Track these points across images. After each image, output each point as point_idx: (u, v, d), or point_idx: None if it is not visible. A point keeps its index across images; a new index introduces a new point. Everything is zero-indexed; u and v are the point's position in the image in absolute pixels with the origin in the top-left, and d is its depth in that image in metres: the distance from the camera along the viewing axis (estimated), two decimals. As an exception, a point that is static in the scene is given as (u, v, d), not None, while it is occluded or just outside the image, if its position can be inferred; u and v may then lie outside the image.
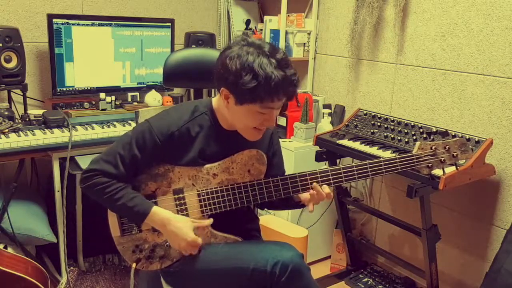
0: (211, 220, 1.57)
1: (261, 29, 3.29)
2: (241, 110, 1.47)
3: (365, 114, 2.64)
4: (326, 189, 1.56)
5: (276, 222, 2.49)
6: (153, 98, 2.93)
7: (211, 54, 2.05)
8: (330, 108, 3.03)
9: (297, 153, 2.75)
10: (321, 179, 1.56)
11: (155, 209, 1.53)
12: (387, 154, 2.27)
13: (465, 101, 2.38)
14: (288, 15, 3.08)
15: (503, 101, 2.22)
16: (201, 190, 1.57)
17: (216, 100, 1.59)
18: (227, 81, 1.43)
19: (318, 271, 2.88)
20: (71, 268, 2.68)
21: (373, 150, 2.33)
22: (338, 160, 2.67)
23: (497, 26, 2.21)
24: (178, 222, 1.53)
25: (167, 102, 2.98)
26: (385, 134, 2.44)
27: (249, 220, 1.77)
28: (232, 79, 1.41)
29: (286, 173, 1.67)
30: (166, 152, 1.54)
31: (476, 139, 2.18)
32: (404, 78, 2.66)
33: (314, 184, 1.56)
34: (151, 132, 1.52)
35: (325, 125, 2.85)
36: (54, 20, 2.61)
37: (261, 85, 1.38)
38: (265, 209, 1.84)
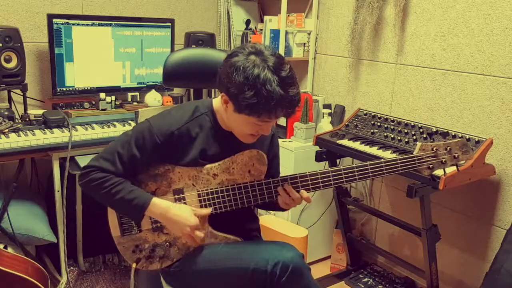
0: (209, 210, 1.57)
1: (261, 29, 3.29)
2: (238, 118, 1.47)
3: (365, 114, 2.64)
4: (304, 193, 1.56)
5: (276, 222, 2.49)
6: (153, 98, 2.93)
7: (211, 54, 2.05)
8: (330, 108, 3.03)
9: (297, 153, 2.75)
10: (322, 179, 1.56)
11: (154, 200, 1.53)
12: (387, 154, 2.27)
13: (465, 101, 2.38)
14: (288, 15, 3.08)
15: (503, 101, 2.22)
16: (201, 191, 1.57)
17: (217, 101, 1.59)
18: (229, 91, 1.43)
19: (318, 271, 2.88)
20: (71, 268, 2.68)
21: (373, 150, 2.33)
22: (338, 160, 2.67)
23: (497, 26, 2.21)
24: (178, 210, 1.53)
25: (167, 102, 2.98)
26: (385, 134, 2.44)
27: (249, 220, 1.77)
28: (234, 91, 1.41)
29: (287, 174, 1.66)
30: (166, 152, 1.54)
31: (476, 139, 2.18)
32: (404, 78, 2.66)
33: (285, 185, 1.55)
34: (151, 131, 1.52)
35: (325, 125, 2.85)
36: (54, 20, 2.61)
37: (261, 103, 1.38)
38: (266, 210, 1.84)
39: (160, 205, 1.53)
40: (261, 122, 1.46)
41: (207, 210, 1.57)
